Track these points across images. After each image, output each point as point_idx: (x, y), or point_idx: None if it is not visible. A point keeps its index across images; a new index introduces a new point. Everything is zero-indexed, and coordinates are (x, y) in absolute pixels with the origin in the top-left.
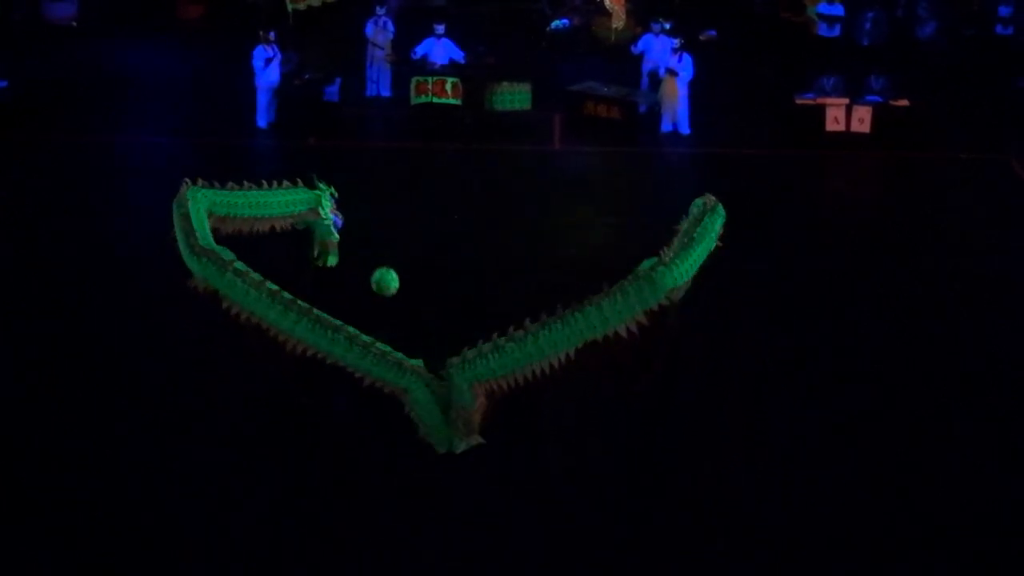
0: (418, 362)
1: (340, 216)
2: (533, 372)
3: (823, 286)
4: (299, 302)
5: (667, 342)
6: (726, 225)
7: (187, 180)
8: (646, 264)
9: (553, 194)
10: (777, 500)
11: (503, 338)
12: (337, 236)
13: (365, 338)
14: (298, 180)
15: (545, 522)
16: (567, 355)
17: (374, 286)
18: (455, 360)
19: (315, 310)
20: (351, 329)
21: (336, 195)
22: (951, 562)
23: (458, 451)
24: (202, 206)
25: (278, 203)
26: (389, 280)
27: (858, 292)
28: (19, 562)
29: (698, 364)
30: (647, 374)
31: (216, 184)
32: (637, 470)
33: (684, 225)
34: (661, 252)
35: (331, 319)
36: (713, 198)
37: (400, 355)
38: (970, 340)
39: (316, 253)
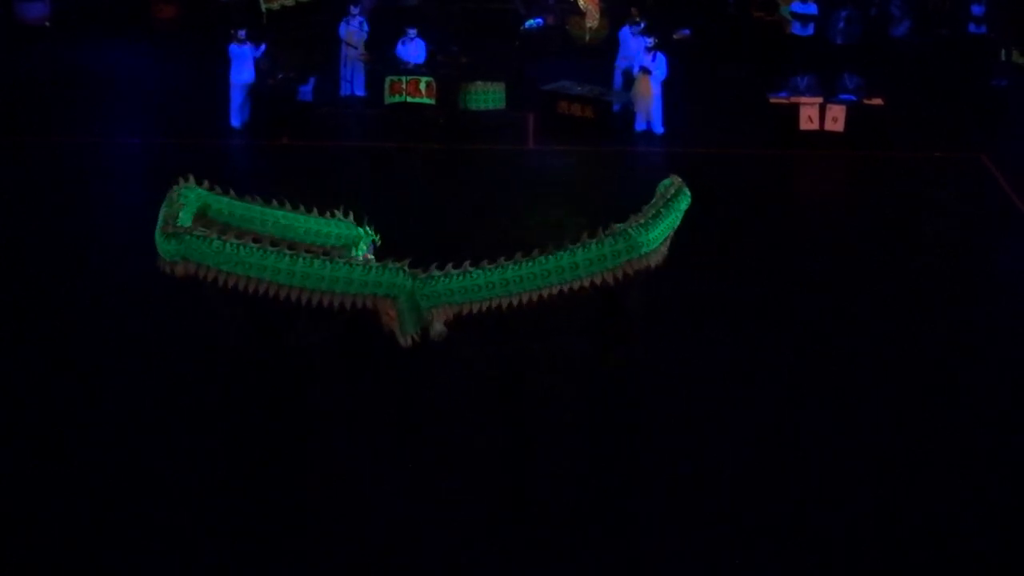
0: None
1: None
2: (492, 306)
3: (797, 284)
4: (286, 247)
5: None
6: (699, 222)
7: (180, 178)
8: (620, 225)
9: (527, 193)
10: (745, 495)
11: (472, 266)
12: None
13: (359, 260)
14: (336, 213)
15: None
16: (531, 296)
17: None
18: (420, 274)
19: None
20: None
21: (379, 243)
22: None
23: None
24: (193, 205)
25: (304, 230)
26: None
27: (831, 290)
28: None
29: (667, 360)
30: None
31: (218, 188)
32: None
33: (652, 201)
34: (630, 218)
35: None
36: (679, 180)
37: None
38: (943, 335)
39: None
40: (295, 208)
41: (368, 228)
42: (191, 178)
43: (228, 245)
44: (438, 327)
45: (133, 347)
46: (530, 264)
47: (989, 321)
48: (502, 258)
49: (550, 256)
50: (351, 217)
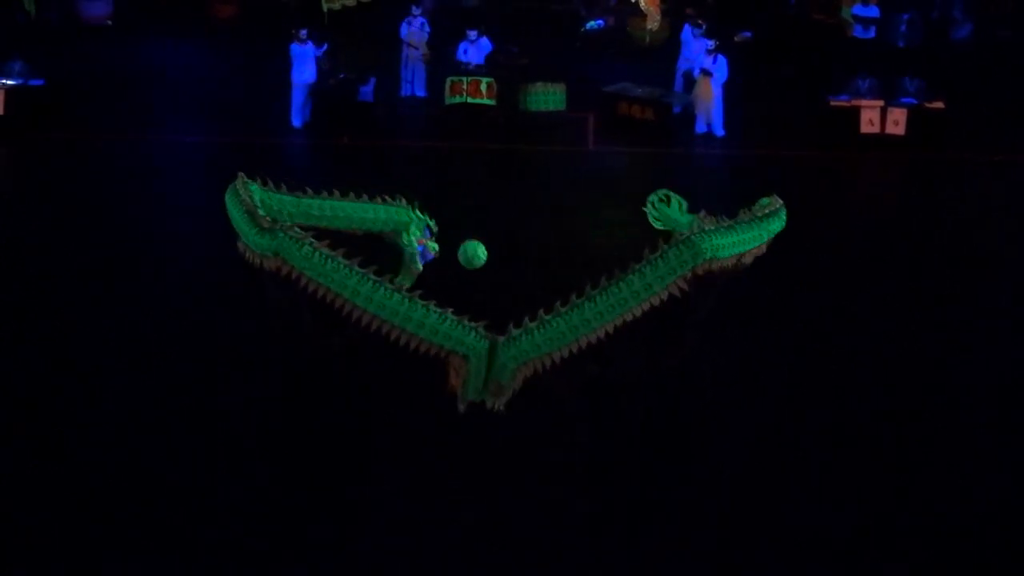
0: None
1: (431, 249)
2: (579, 346)
3: (855, 287)
4: (373, 273)
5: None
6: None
7: (241, 173)
8: (683, 233)
9: (587, 195)
10: (787, 498)
11: (548, 314)
12: (420, 267)
13: (438, 307)
14: (388, 198)
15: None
16: (613, 326)
17: (462, 258)
18: (501, 338)
19: (388, 280)
20: (423, 300)
21: (434, 229)
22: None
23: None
24: (255, 198)
25: (356, 218)
26: (477, 253)
27: (890, 294)
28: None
29: (726, 361)
30: (676, 350)
31: (271, 185)
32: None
33: (742, 212)
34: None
35: (404, 289)
36: (780, 201)
37: (466, 321)
38: (1003, 342)
39: (398, 273)
40: (345, 196)
41: (420, 213)
42: (242, 175)
43: (317, 254)
44: (501, 398)
45: (190, 348)
46: (605, 296)
47: None
48: (573, 296)
49: (621, 283)
50: (402, 202)
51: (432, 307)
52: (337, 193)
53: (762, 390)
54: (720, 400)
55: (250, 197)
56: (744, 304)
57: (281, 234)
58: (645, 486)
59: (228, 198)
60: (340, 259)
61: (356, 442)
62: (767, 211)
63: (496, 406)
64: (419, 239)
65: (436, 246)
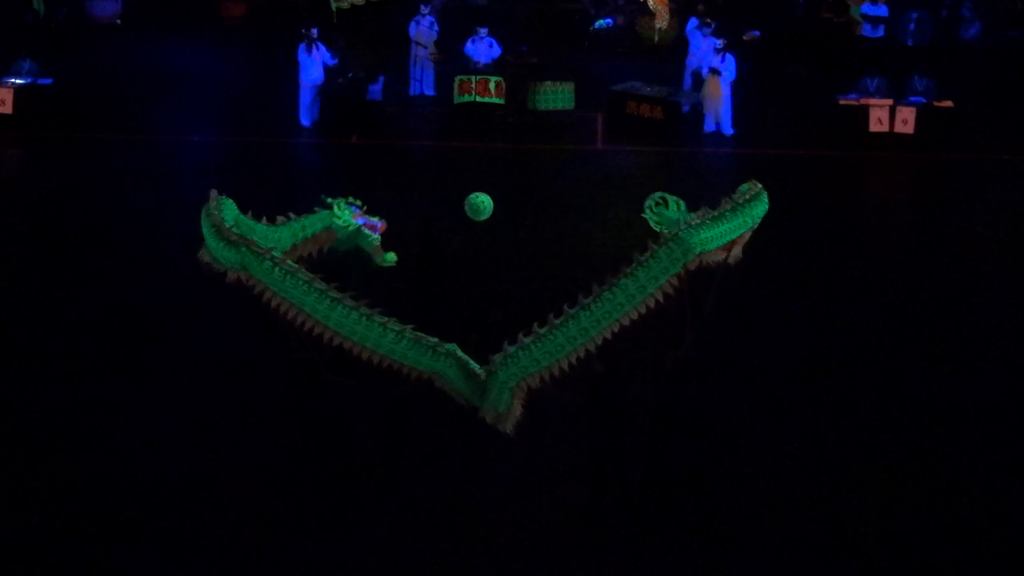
0: (452, 346)
1: (374, 219)
2: (576, 357)
3: (864, 287)
4: (334, 290)
5: (696, 319)
6: (768, 223)
7: (214, 190)
8: (670, 230)
9: (595, 193)
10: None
11: (543, 328)
12: (377, 238)
13: (397, 325)
14: (316, 208)
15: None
16: (610, 333)
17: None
18: (497, 357)
19: (348, 297)
20: (383, 317)
21: (358, 202)
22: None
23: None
24: (229, 215)
25: (291, 234)
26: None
27: (899, 293)
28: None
29: (732, 360)
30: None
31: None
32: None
33: (724, 201)
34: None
35: (365, 307)
36: (759, 185)
37: (434, 339)
38: (1008, 341)
39: (372, 261)
40: (274, 222)
41: (331, 199)
42: (215, 192)
43: (277, 269)
44: (507, 422)
45: (190, 346)
46: (600, 303)
47: None
48: (565, 306)
49: (615, 288)
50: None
51: (391, 326)
52: (281, 219)
53: (769, 389)
54: (724, 399)
55: (220, 213)
56: (751, 302)
57: (243, 248)
58: (646, 486)
59: (202, 217)
60: (300, 275)
61: (357, 442)
62: (748, 197)
63: (505, 430)
64: (355, 215)
65: (377, 217)
